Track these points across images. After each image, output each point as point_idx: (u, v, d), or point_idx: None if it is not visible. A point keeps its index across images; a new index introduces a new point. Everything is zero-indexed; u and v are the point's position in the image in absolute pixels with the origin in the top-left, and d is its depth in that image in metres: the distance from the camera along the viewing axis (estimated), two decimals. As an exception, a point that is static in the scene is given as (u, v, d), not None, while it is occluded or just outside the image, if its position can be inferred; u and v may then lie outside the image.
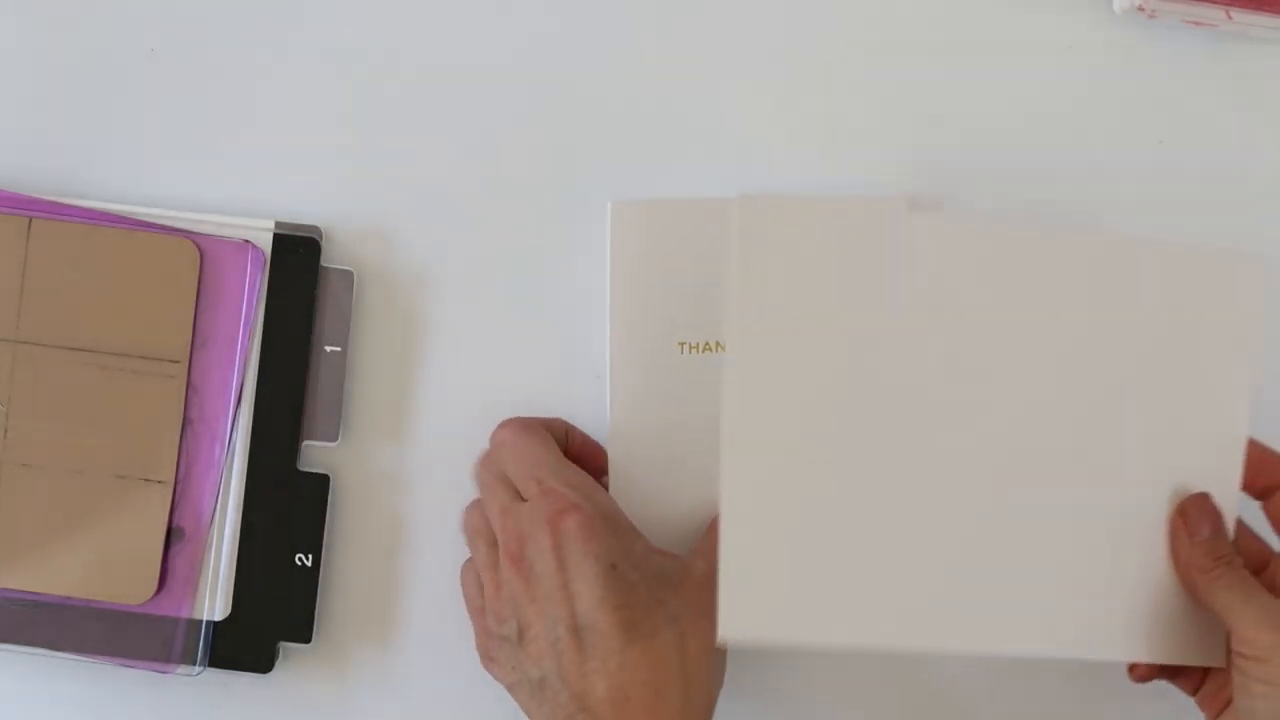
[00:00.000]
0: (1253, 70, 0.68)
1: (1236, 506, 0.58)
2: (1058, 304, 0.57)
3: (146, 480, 0.64)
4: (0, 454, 0.64)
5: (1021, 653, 0.58)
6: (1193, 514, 0.57)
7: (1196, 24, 0.66)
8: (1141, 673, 0.59)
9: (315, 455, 0.66)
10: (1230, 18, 0.65)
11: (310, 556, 0.64)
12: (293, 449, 0.65)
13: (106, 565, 0.64)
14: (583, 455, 0.62)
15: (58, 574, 0.64)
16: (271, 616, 0.64)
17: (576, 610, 0.55)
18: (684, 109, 0.66)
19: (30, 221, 0.65)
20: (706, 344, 0.63)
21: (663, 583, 0.56)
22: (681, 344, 0.63)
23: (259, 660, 0.64)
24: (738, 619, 0.52)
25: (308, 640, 0.64)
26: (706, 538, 0.59)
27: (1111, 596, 0.57)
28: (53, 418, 0.64)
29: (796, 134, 0.67)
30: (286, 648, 0.65)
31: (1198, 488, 0.58)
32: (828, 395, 0.55)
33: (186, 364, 0.64)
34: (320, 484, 0.65)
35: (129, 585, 0.64)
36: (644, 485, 0.63)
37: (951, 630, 0.56)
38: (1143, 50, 0.67)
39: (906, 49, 0.67)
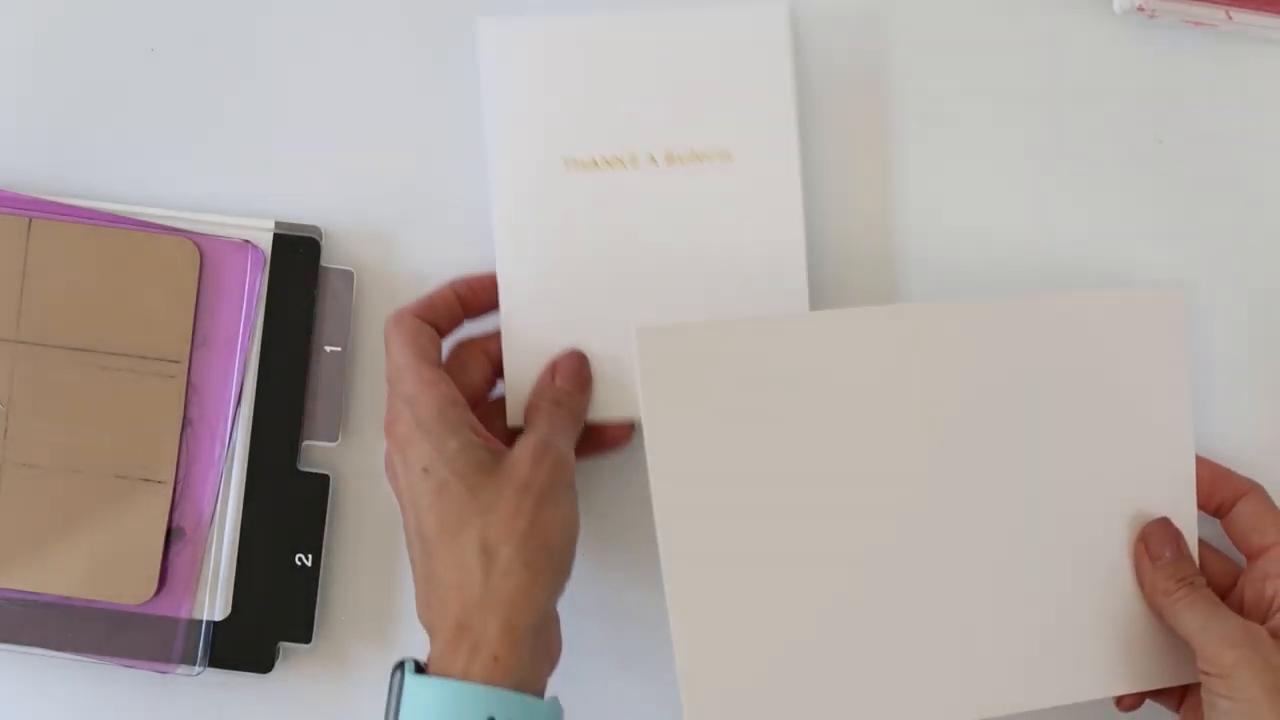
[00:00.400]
0: (1252, 70, 0.68)
1: (1195, 526, 0.60)
2: (980, 373, 0.59)
3: (146, 480, 0.64)
4: (0, 454, 0.64)
5: (1004, 712, 0.59)
6: (1153, 539, 0.59)
7: (1196, 24, 0.66)
8: (1128, 703, 0.61)
9: (315, 455, 0.66)
10: (1230, 18, 0.65)
11: (310, 556, 0.65)
12: (293, 449, 0.65)
13: (106, 565, 0.64)
14: (476, 299, 0.63)
15: (58, 574, 0.64)
16: (271, 616, 0.64)
17: (415, 514, 0.58)
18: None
19: (30, 221, 0.65)
20: (593, 160, 0.63)
21: (479, 472, 0.57)
22: (567, 161, 0.63)
23: (259, 660, 0.64)
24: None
25: (308, 640, 0.64)
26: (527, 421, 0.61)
27: (1083, 639, 0.59)
28: (53, 418, 0.64)
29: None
30: (286, 648, 0.65)
31: (1155, 515, 0.60)
32: (755, 507, 0.58)
33: (186, 364, 0.64)
34: (320, 484, 0.65)
35: (129, 585, 0.64)
36: (536, 309, 0.63)
37: (930, 705, 0.59)
38: (1143, 50, 0.67)
39: (907, 48, 0.67)
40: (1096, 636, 0.59)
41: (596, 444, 0.63)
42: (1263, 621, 0.57)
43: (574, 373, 0.61)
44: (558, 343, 0.63)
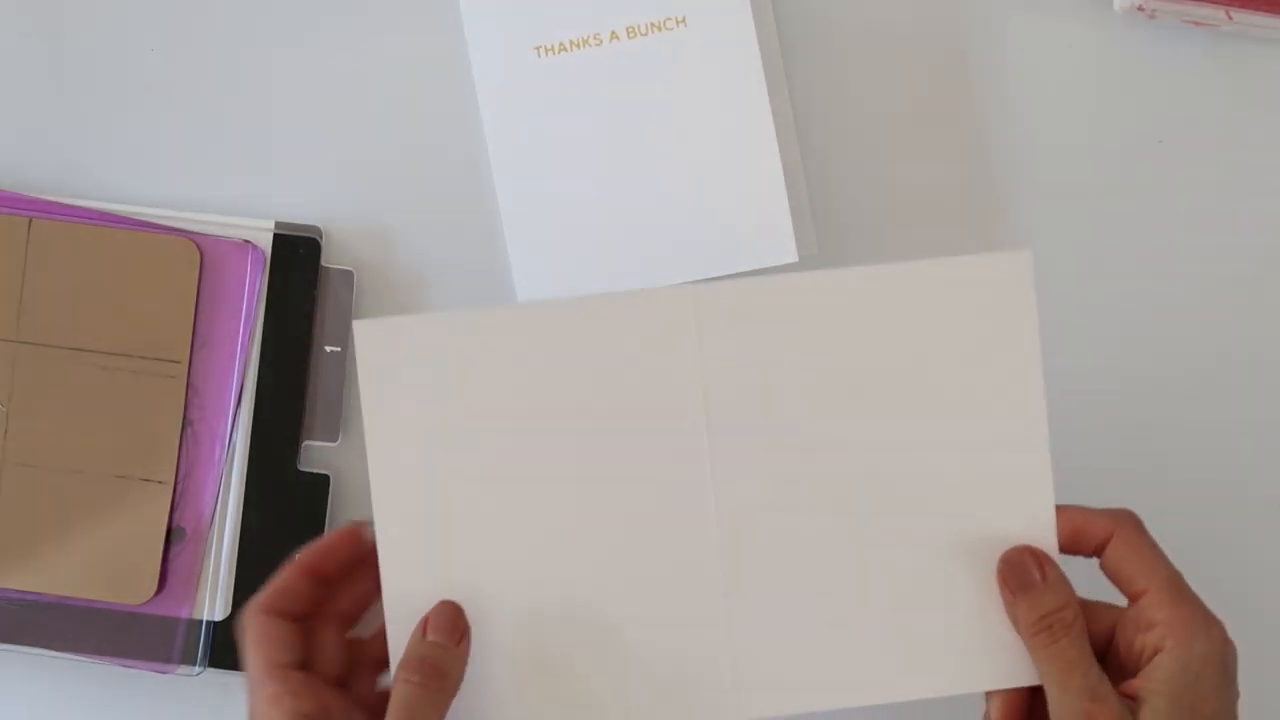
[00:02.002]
0: (1253, 70, 0.68)
1: (1052, 517, 0.54)
2: (789, 356, 0.54)
3: (146, 480, 0.64)
4: (0, 454, 0.64)
5: (821, 707, 0.56)
6: (1007, 570, 0.54)
7: (1196, 24, 0.66)
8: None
9: (315, 455, 0.66)
10: (1230, 18, 0.65)
11: (310, 556, 0.64)
12: (293, 449, 0.65)
13: (106, 565, 0.64)
14: (329, 565, 0.56)
15: (58, 574, 0.64)
16: (271, 616, 0.64)
17: None
18: None
19: (30, 221, 0.65)
20: (561, 44, 0.65)
21: None
22: (538, 48, 0.65)
23: (259, 660, 0.64)
24: None
25: (308, 640, 0.64)
26: None
27: (915, 634, 0.55)
28: (53, 418, 0.64)
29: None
30: (286, 648, 0.65)
31: (1002, 503, 0.54)
32: (474, 500, 0.54)
33: (186, 364, 0.64)
34: (320, 484, 0.65)
35: (129, 585, 0.64)
36: (530, 187, 0.65)
37: (747, 699, 0.55)
38: (1143, 50, 0.67)
39: (907, 48, 0.67)
40: (928, 634, 0.54)
41: None
42: (1134, 673, 0.52)
43: (448, 625, 0.54)
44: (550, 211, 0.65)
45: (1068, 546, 0.54)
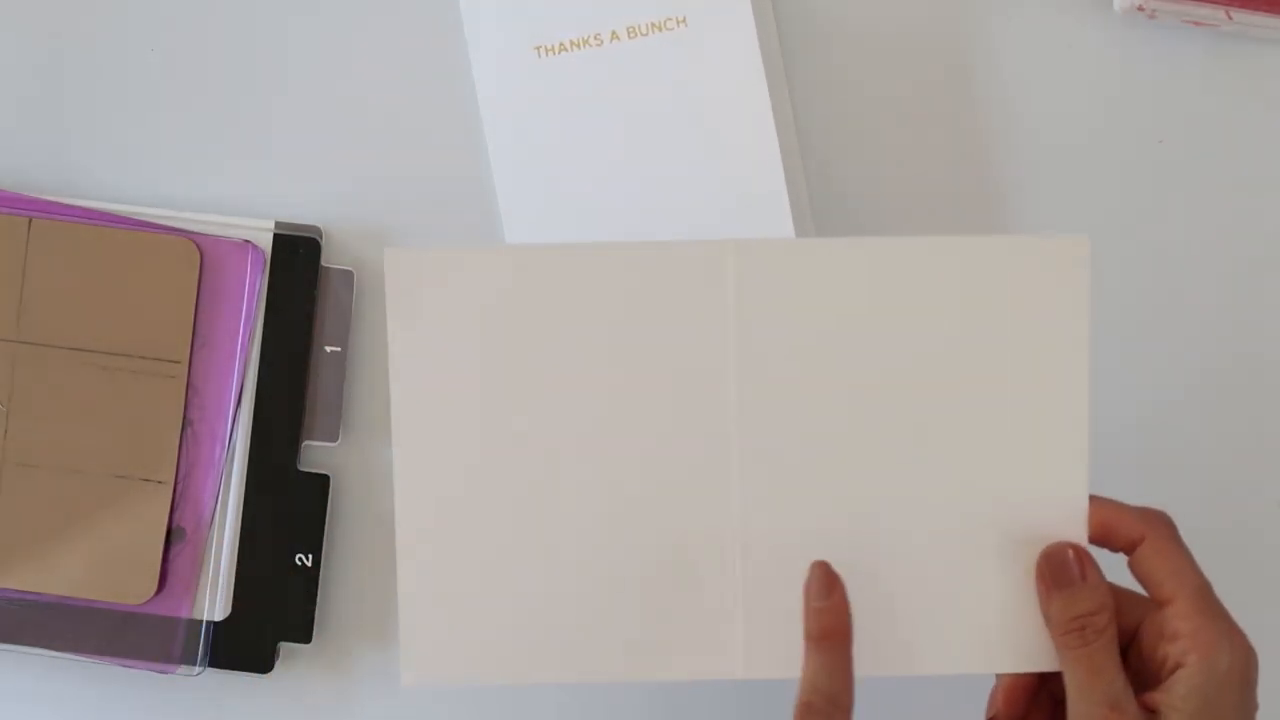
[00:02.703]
0: (1253, 70, 0.68)
1: (1085, 499, 0.53)
2: (830, 321, 0.54)
3: (146, 480, 0.64)
4: (0, 454, 0.64)
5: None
6: (1051, 565, 0.53)
7: (1196, 24, 0.66)
8: (1001, 716, 0.56)
9: (315, 455, 0.66)
10: (1230, 18, 0.65)
11: (310, 556, 0.64)
12: (293, 449, 0.65)
13: (106, 565, 0.64)
14: None
15: (58, 574, 0.64)
16: (271, 616, 0.64)
17: None
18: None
19: (30, 221, 0.65)
20: (561, 44, 0.64)
21: None
22: (538, 48, 0.65)
23: (259, 660, 0.64)
24: (417, 666, 0.55)
25: (308, 640, 0.64)
26: None
27: (943, 613, 0.54)
28: (53, 418, 0.64)
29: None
30: (286, 648, 0.65)
31: (1035, 487, 0.53)
32: (498, 443, 0.54)
33: (186, 364, 0.64)
34: (320, 484, 0.65)
35: (129, 585, 0.64)
36: (530, 186, 0.65)
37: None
38: (1143, 50, 0.67)
39: (907, 48, 0.67)
40: (960, 613, 0.54)
41: None
42: (1156, 682, 0.52)
43: (823, 587, 0.53)
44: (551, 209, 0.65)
45: (1097, 540, 0.53)
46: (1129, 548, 0.53)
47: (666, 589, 0.54)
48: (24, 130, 0.67)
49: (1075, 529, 0.53)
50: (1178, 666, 0.51)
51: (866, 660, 0.53)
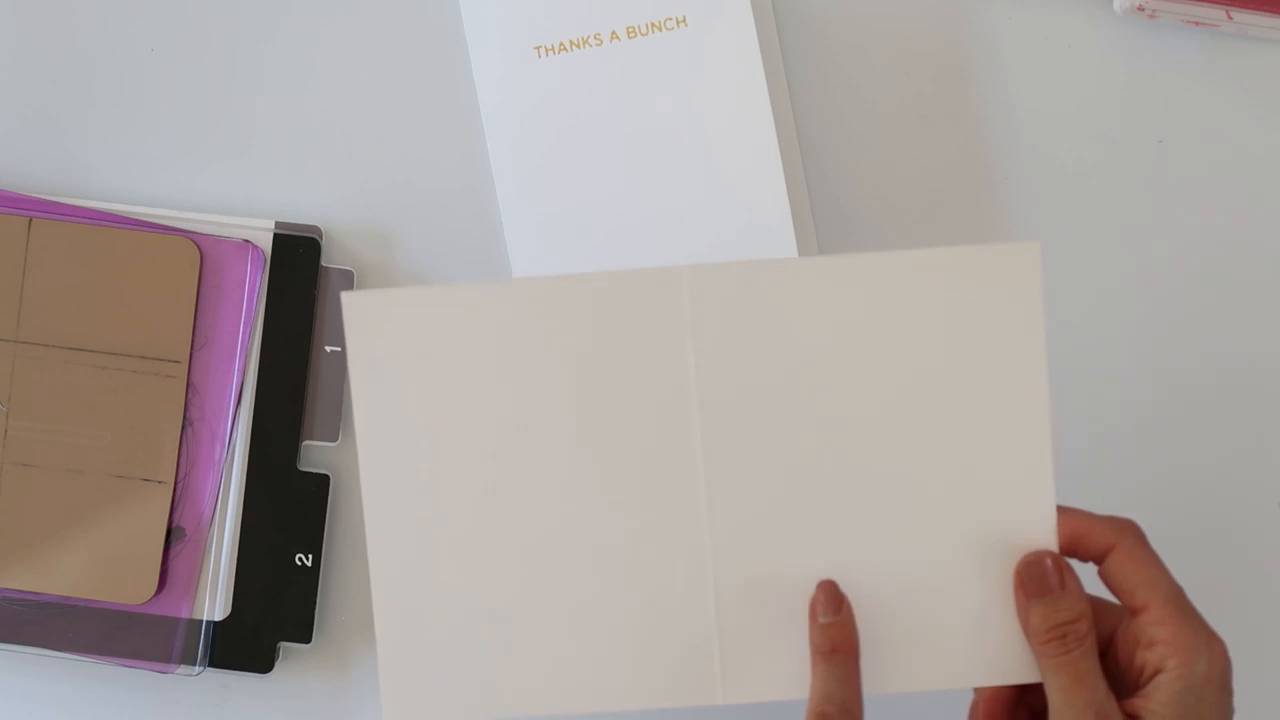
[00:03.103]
0: (1252, 70, 0.68)
1: (1053, 508, 0.53)
2: (786, 344, 0.54)
3: (146, 480, 0.64)
4: (0, 454, 0.64)
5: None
6: (1025, 573, 0.53)
7: (1196, 24, 0.66)
8: None
9: (315, 455, 0.66)
10: (1230, 18, 0.65)
11: (310, 556, 0.65)
12: (293, 449, 0.65)
13: (106, 565, 0.64)
14: None
15: (58, 574, 0.64)
16: (271, 616, 0.64)
17: None
18: None
19: (30, 221, 0.65)
20: (561, 44, 0.64)
21: None
22: (538, 48, 0.65)
23: (259, 660, 0.64)
24: (399, 706, 0.55)
25: (308, 640, 0.64)
26: None
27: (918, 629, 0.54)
28: (53, 418, 0.64)
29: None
30: (286, 648, 0.65)
31: (1002, 497, 0.53)
32: (468, 484, 0.54)
33: (186, 364, 0.64)
34: (320, 484, 0.65)
35: (129, 585, 0.64)
36: (530, 187, 0.65)
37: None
38: (1143, 50, 0.67)
39: (907, 48, 0.67)
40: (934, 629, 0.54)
41: None
42: (1133, 689, 0.52)
43: (831, 604, 0.54)
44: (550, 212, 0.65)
45: (1067, 550, 0.53)
46: (1099, 557, 0.53)
47: (642, 622, 0.54)
48: (24, 130, 0.67)
49: (1045, 538, 0.53)
50: (1156, 673, 0.51)
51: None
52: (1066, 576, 0.53)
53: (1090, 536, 0.53)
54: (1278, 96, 0.68)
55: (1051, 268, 0.67)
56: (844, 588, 0.54)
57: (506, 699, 0.55)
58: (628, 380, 0.54)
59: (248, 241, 0.65)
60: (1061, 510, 0.53)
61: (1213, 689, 0.51)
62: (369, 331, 0.54)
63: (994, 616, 0.54)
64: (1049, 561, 0.53)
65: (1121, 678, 0.53)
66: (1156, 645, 0.51)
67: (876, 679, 0.54)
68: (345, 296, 0.53)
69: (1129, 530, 0.53)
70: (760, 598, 0.54)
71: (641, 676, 0.54)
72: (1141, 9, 0.65)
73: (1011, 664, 0.54)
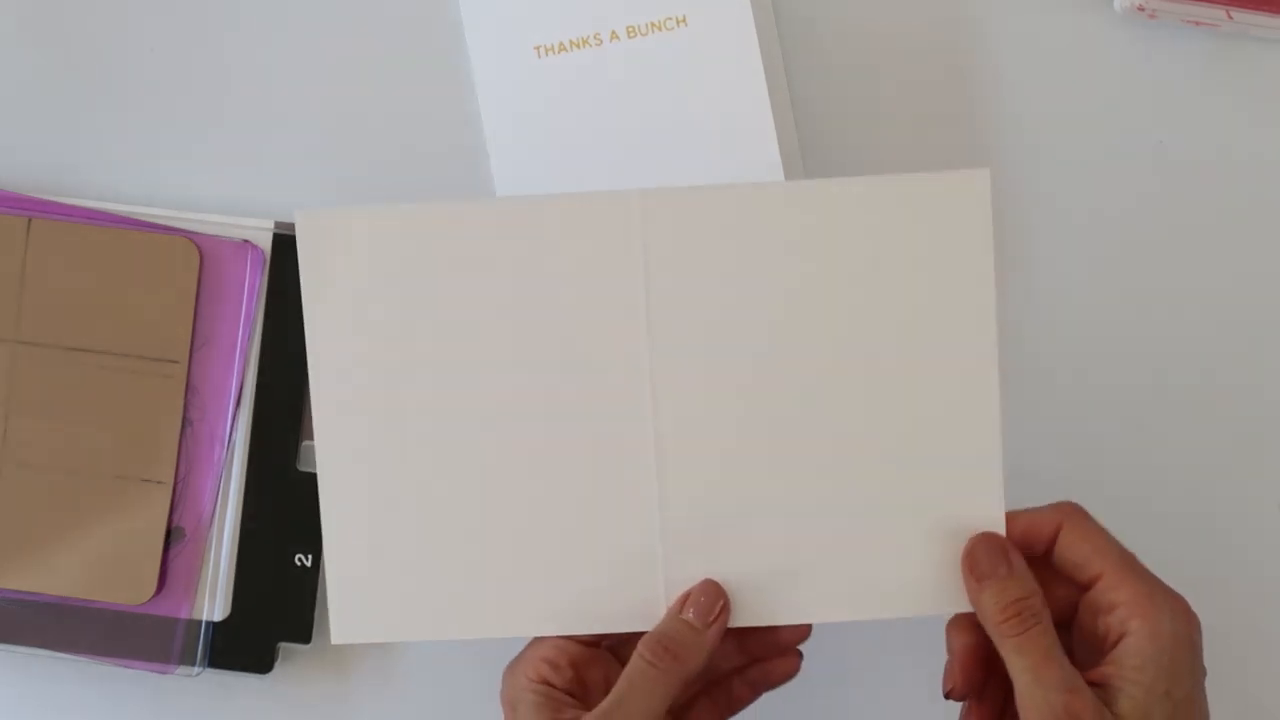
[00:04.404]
0: (1252, 70, 0.68)
1: (1000, 457, 0.53)
2: (729, 268, 0.54)
3: (146, 480, 0.64)
4: (0, 454, 0.64)
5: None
6: (977, 556, 0.53)
7: (1196, 24, 0.66)
8: (959, 692, 0.55)
9: (315, 455, 0.66)
10: (1230, 18, 0.65)
11: (310, 556, 0.64)
12: (293, 449, 0.65)
13: (106, 565, 0.64)
14: None
15: (58, 574, 0.64)
16: (271, 616, 0.64)
17: None
18: None
19: (30, 221, 0.65)
20: (561, 44, 0.64)
21: None
22: (538, 48, 0.65)
23: (259, 660, 0.64)
24: (345, 624, 0.56)
25: (307, 640, 0.64)
26: None
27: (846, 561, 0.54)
28: (53, 418, 0.64)
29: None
30: (286, 648, 0.65)
31: (947, 435, 0.53)
32: (417, 401, 0.55)
33: (186, 364, 0.64)
34: (320, 484, 0.65)
35: (129, 585, 0.64)
36: (530, 187, 0.65)
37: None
38: (1143, 50, 0.67)
39: (907, 48, 0.67)
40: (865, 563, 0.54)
41: (753, 681, 0.57)
42: (1100, 660, 0.51)
43: (706, 608, 0.54)
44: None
45: (1020, 547, 0.53)
46: (1049, 545, 0.53)
47: (588, 540, 0.55)
48: (24, 130, 0.67)
49: (992, 509, 0.53)
50: (1121, 636, 0.50)
51: (779, 609, 0.54)
52: (1012, 556, 0.52)
53: (1037, 528, 0.53)
54: (1278, 96, 0.68)
55: (1049, 266, 0.67)
56: (784, 514, 0.54)
57: (452, 618, 0.55)
58: (578, 301, 0.54)
59: (247, 241, 0.65)
60: (1007, 516, 0.53)
61: (1182, 651, 0.50)
62: (322, 248, 0.55)
63: (933, 547, 0.53)
64: (994, 543, 0.53)
65: (1086, 649, 0.52)
66: (1117, 608, 0.51)
67: (813, 607, 0.54)
68: (299, 212, 0.54)
69: (1072, 509, 0.53)
70: (704, 524, 0.54)
71: (586, 598, 0.55)
72: (1141, 9, 0.65)
73: (951, 594, 0.54)
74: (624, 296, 0.54)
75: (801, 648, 0.57)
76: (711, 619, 0.54)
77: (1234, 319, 0.67)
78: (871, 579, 0.54)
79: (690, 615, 0.54)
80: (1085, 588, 0.52)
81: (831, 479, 0.54)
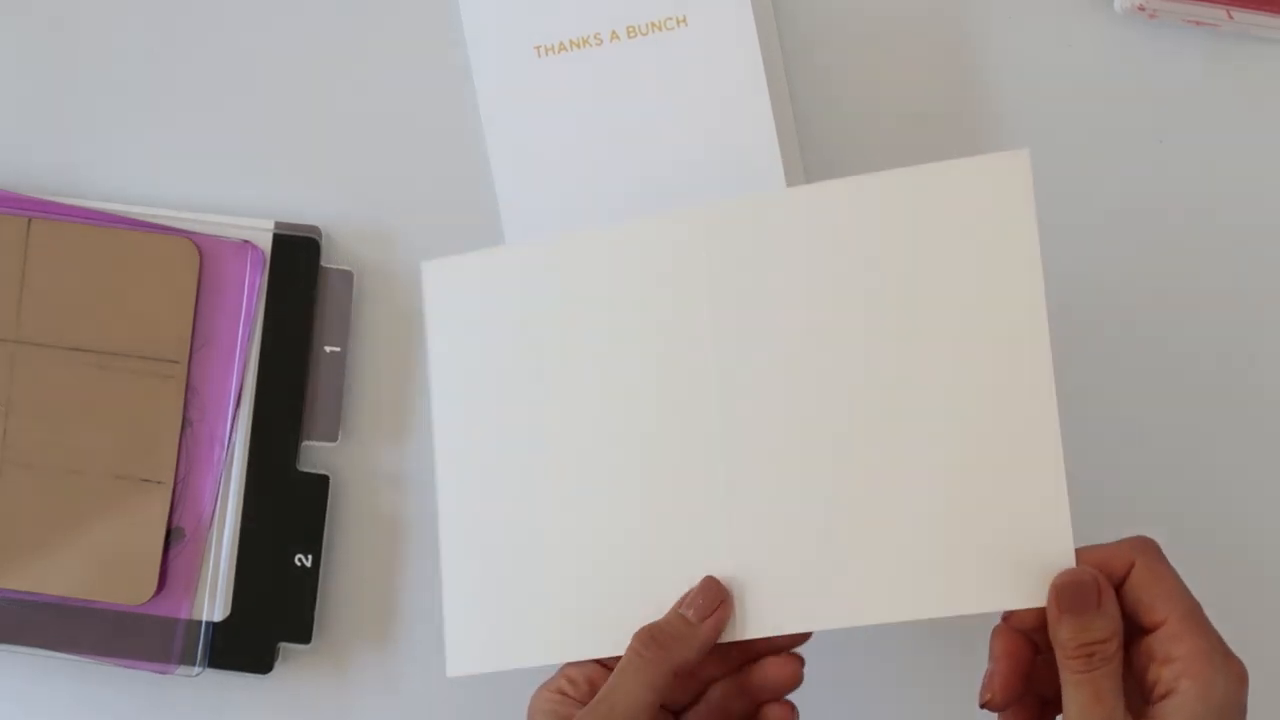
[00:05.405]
0: (1253, 70, 0.68)
1: (1056, 422, 0.53)
2: (800, 272, 0.54)
3: (146, 480, 0.64)
4: (0, 454, 0.64)
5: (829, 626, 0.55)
6: (1064, 589, 0.51)
7: (1196, 24, 0.66)
8: (998, 701, 0.54)
9: (315, 455, 0.66)
10: (1230, 18, 0.65)
11: (310, 556, 0.64)
12: (293, 449, 0.65)
13: (106, 565, 0.64)
14: None
15: (57, 574, 0.64)
16: (271, 616, 0.64)
17: None
18: None
19: (30, 221, 0.65)
20: (561, 44, 0.65)
21: None
22: (538, 48, 0.65)
23: (259, 660, 0.64)
24: (460, 655, 0.58)
25: (307, 640, 0.64)
26: None
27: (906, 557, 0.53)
28: (53, 418, 0.64)
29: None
30: (286, 648, 0.65)
31: (1003, 427, 0.53)
32: (526, 430, 0.57)
33: (186, 364, 0.64)
34: (320, 484, 0.65)
35: (129, 585, 0.64)
36: (530, 186, 0.65)
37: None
38: (1143, 50, 0.67)
39: (907, 48, 0.67)
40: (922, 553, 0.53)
41: (750, 690, 0.57)
42: (1145, 707, 0.51)
43: (704, 604, 0.55)
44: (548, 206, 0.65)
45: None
46: (1121, 580, 0.52)
47: (674, 564, 0.55)
48: (24, 130, 0.67)
49: (1060, 537, 0.52)
50: (1169, 692, 0.50)
51: (846, 612, 0.54)
52: (1105, 596, 0.51)
53: (1111, 564, 0.52)
54: (1278, 96, 0.68)
55: (1049, 266, 0.67)
56: (844, 513, 0.54)
57: (559, 644, 0.57)
58: (652, 316, 0.56)
59: (247, 242, 0.65)
60: (1078, 552, 0.52)
61: (1228, 712, 0.50)
62: (443, 294, 0.59)
63: (988, 545, 0.53)
64: (1089, 579, 0.51)
65: (1133, 691, 0.52)
66: (1172, 662, 0.50)
67: (876, 609, 0.54)
68: (425, 264, 0.59)
69: (1146, 546, 0.52)
70: (769, 528, 0.55)
71: (657, 610, 0.55)
72: (1142, 9, 0.65)
73: (1018, 591, 0.52)
74: (691, 308, 0.56)
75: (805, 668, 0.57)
76: (708, 614, 0.54)
77: (1235, 317, 0.67)
78: (929, 576, 0.53)
79: (689, 611, 0.54)
80: (1146, 630, 0.52)
81: (898, 491, 0.54)
